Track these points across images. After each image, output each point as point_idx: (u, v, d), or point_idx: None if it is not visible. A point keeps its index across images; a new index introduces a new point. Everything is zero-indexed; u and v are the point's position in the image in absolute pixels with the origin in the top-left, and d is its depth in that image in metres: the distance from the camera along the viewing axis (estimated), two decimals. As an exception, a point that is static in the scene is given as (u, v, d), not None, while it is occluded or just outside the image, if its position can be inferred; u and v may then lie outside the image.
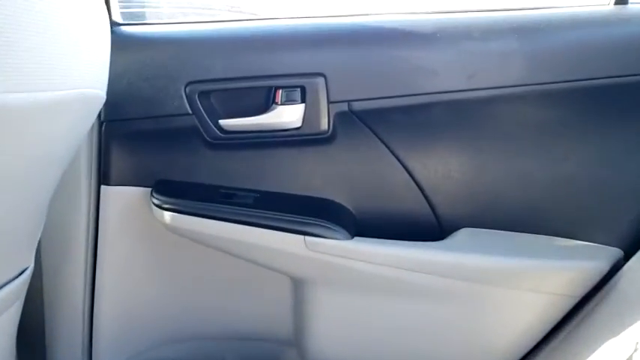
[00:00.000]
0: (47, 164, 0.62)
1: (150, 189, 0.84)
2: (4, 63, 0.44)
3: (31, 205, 0.64)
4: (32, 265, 0.71)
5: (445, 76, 0.85)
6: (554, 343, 0.84)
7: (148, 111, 0.86)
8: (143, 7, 1.11)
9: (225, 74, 0.85)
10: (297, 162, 0.87)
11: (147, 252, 0.91)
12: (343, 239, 0.80)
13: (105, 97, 0.67)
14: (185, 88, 0.84)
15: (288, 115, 0.85)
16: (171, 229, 0.84)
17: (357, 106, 0.85)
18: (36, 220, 0.68)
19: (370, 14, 0.90)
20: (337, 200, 0.87)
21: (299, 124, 0.86)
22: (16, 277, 0.67)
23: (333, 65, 0.84)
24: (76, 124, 0.63)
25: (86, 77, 0.59)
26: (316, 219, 0.81)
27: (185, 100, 0.84)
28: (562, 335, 0.83)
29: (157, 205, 0.82)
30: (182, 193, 0.83)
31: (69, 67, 0.54)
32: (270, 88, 0.85)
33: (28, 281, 0.71)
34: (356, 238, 0.81)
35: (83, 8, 0.57)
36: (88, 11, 0.59)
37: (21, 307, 0.72)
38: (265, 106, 0.86)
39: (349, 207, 0.87)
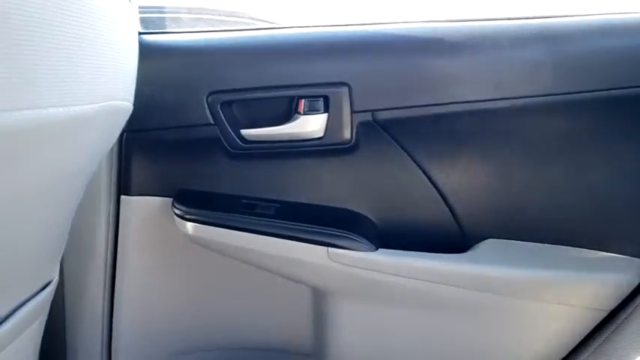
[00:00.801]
0: (73, 178, 0.61)
1: (171, 199, 0.84)
2: (33, 77, 0.42)
3: (57, 218, 0.63)
4: (57, 277, 0.71)
5: (471, 86, 0.83)
6: (581, 357, 0.82)
7: (169, 121, 0.85)
8: (162, 13, 1.11)
9: (247, 84, 0.84)
10: (319, 172, 0.86)
11: (167, 262, 0.91)
12: (367, 251, 0.79)
13: (132, 107, 0.66)
14: (207, 98, 0.84)
15: (310, 125, 0.84)
16: (192, 239, 0.83)
17: (381, 115, 0.84)
18: (61, 233, 0.68)
19: (395, 22, 0.89)
20: (360, 211, 0.86)
21: (321, 134, 0.85)
22: (41, 290, 0.67)
23: (357, 74, 0.83)
24: (103, 137, 0.62)
25: (114, 88, 0.58)
26: (340, 230, 0.80)
27: (207, 110, 0.84)
28: (590, 350, 0.82)
29: (178, 216, 0.82)
30: (204, 204, 0.83)
31: (97, 80, 0.54)
32: (292, 97, 0.84)
33: (53, 294, 0.71)
34: (380, 249, 0.80)
35: (112, 17, 0.56)
36: (116, 20, 0.58)
37: (44, 321, 0.72)
38: (288, 116, 0.85)
39: (372, 218, 0.86)
